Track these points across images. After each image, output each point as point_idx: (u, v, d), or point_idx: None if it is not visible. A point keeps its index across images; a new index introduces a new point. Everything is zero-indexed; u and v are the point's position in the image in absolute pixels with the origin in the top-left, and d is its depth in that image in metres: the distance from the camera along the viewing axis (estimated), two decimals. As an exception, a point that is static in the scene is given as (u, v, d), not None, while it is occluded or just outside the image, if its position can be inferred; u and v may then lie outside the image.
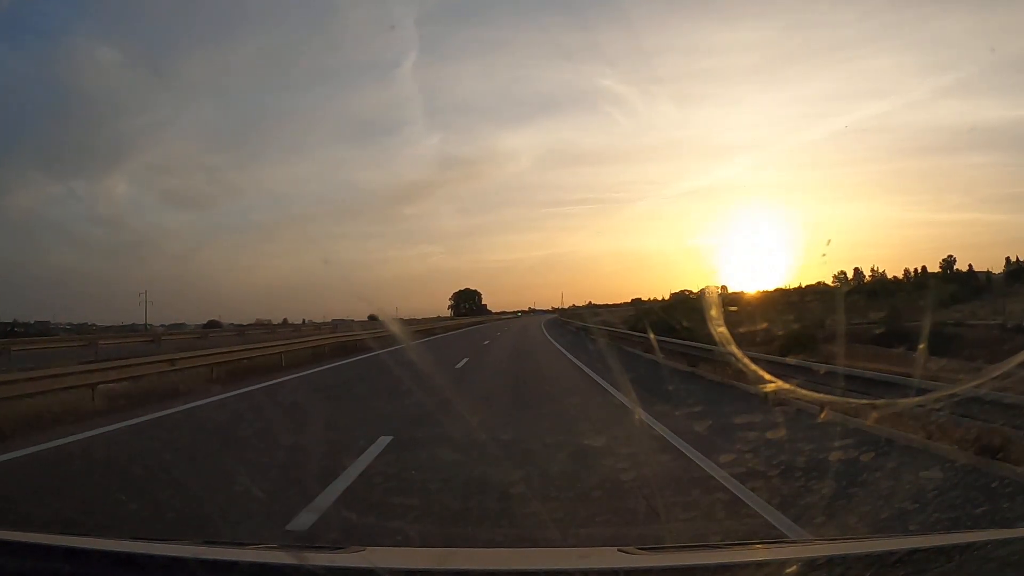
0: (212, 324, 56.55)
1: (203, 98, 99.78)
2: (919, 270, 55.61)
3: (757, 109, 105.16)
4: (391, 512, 3.71)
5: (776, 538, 3.17)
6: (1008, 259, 48.85)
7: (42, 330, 43.19)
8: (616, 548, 1.37)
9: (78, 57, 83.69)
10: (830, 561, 1.22)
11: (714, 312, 6.38)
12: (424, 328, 27.09)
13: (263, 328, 43.90)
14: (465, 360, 15.61)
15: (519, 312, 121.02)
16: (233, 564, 1.24)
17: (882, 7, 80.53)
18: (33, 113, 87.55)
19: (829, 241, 33.24)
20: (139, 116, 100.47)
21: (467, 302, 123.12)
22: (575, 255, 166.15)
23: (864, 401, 5.75)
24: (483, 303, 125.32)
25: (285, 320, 64.09)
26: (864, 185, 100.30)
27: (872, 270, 58.97)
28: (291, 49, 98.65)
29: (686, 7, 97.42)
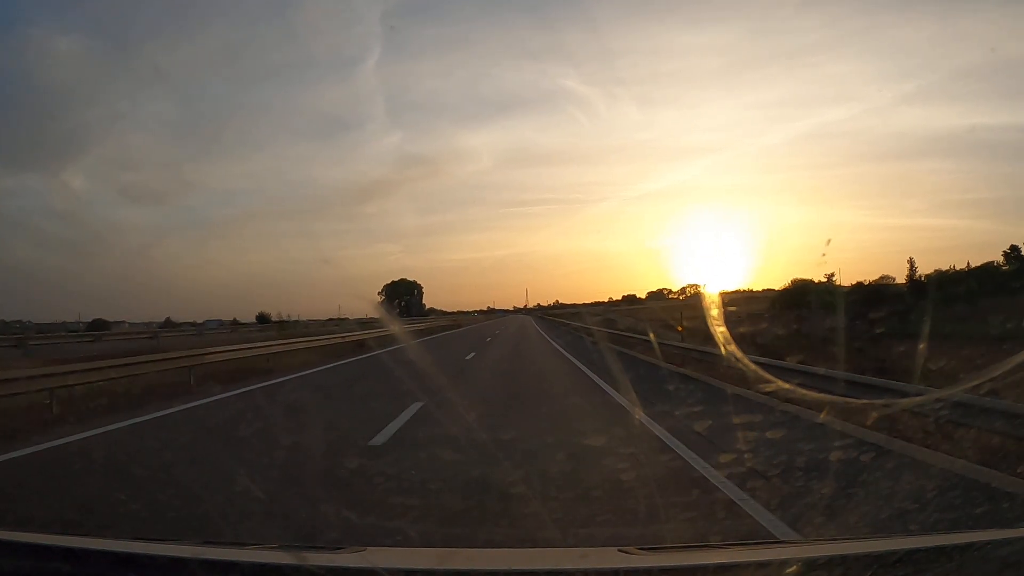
0: (99, 323, 49.01)
1: (162, 92, 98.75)
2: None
3: (720, 113, 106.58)
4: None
5: (776, 538, 3.16)
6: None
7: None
8: (616, 548, 1.37)
9: (35, 48, 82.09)
10: (830, 561, 1.22)
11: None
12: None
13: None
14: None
15: (476, 312, 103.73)
16: (233, 564, 1.24)
17: (844, 15, 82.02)
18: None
19: (829, 241, 32.76)
20: (95, 109, 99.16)
21: (402, 297, 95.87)
22: (536, 254, 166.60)
23: None
24: (423, 300, 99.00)
25: (168, 320, 54.96)
26: (825, 189, 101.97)
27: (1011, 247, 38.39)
28: (253, 43, 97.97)
29: (650, 10, 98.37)
